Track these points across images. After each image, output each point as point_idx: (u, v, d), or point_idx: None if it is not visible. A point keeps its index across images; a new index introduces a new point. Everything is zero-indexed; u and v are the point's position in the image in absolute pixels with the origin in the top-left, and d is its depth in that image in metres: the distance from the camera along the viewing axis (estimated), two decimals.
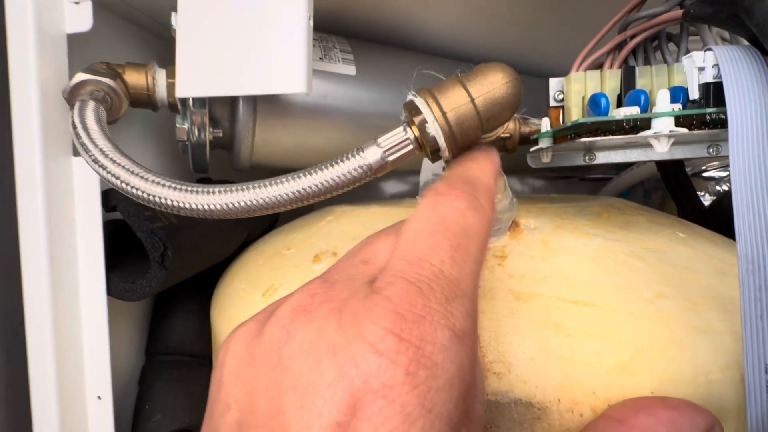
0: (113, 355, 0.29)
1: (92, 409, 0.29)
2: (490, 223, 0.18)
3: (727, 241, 0.29)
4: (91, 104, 0.25)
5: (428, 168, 0.28)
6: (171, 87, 0.29)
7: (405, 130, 0.20)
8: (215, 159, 0.32)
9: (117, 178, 0.22)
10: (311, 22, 0.25)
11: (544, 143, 0.27)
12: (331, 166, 0.20)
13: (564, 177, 0.65)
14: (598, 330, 0.20)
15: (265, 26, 0.25)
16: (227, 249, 0.36)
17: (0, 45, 0.26)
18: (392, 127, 0.21)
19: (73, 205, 0.28)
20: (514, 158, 0.33)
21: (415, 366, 0.13)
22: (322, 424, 0.13)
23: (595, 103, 0.24)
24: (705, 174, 0.53)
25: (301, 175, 0.20)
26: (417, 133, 0.20)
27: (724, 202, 0.45)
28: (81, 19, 0.27)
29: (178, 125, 0.29)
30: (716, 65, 0.21)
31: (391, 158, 0.20)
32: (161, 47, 0.38)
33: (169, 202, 0.21)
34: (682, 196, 0.42)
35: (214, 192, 0.21)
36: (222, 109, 0.31)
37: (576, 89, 0.26)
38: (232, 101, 0.30)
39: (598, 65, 0.26)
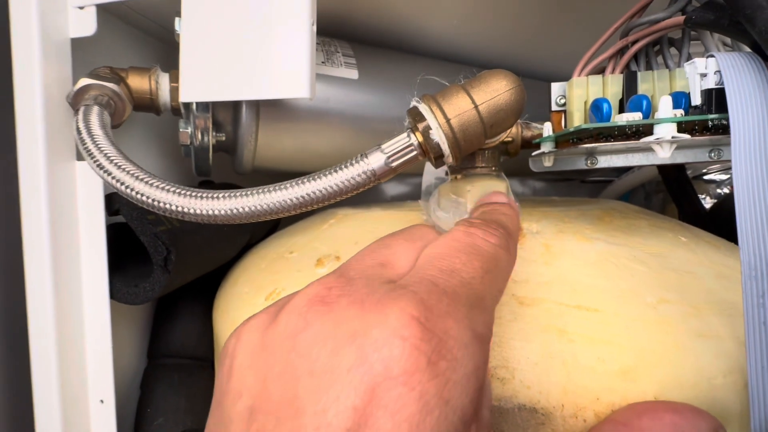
0: (116, 358, 0.29)
1: (95, 412, 0.29)
2: (512, 267, 0.19)
3: (728, 244, 0.29)
4: (95, 109, 0.25)
5: (431, 172, 0.28)
6: (174, 91, 0.29)
7: (409, 136, 0.20)
8: (218, 162, 0.32)
9: (121, 183, 0.22)
10: (314, 27, 0.26)
11: (546, 147, 0.27)
12: (335, 171, 0.20)
13: (565, 179, 0.65)
14: (601, 335, 0.20)
15: (268, 31, 0.25)
16: (230, 252, 0.36)
17: (4, 49, 0.26)
18: (395, 132, 0.21)
19: (77, 209, 0.28)
20: (516, 161, 0.33)
21: (437, 356, 0.13)
22: (339, 409, 0.13)
23: (597, 107, 0.24)
24: (706, 177, 0.53)
25: (304, 180, 0.20)
26: (421, 139, 0.20)
27: (725, 205, 0.45)
28: (85, 23, 0.27)
29: (181, 129, 0.29)
30: (718, 71, 0.21)
31: (394, 164, 0.20)
32: (164, 51, 0.38)
33: (173, 207, 0.21)
34: (683, 199, 0.42)
35: (218, 197, 0.21)
36: (225, 113, 0.31)
37: (578, 94, 0.26)
38: (235, 105, 0.30)
39: (600, 70, 0.26)
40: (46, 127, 0.26)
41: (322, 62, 0.32)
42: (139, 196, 0.21)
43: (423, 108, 0.20)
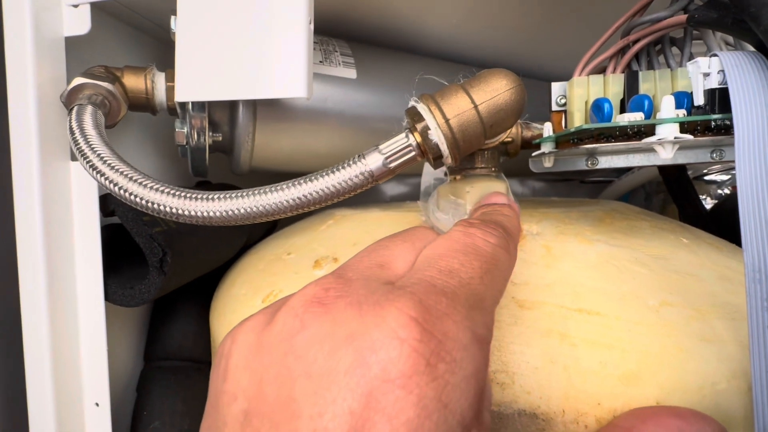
0: (111, 360, 0.28)
1: (90, 415, 0.28)
2: (512, 268, 0.19)
3: (730, 246, 0.29)
4: (89, 109, 0.25)
5: (430, 173, 0.28)
6: (170, 90, 0.29)
7: (407, 136, 0.20)
8: (214, 162, 0.32)
9: (115, 184, 0.21)
10: (312, 26, 0.25)
11: (546, 148, 0.26)
12: (333, 172, 0.20)
13: (564, 179, 0.65)
14: (603, 339, 0.20)
15: (265, 30, 0.25)
16: (227, 254, 0.36)
17: None
18: (393, 131, 0.21)
19: (71, 210, 0.28)
20: (515, 161, 0.33)
21: (435, 358, 0.13)
22: (336, 412, 0.12)
23: (598, 107, 0.24)
24: (706, 177, 0.53)
25: (301, 181, 0.20)
26: (419, 139, 0.20)
27: (726, 205, 0.45)
28: (79, 22, 0.27)
29: (177, 129, 0.29)
30: (722, 71, 0.21)
31: (392, 165, 0.20)
32: (160, 50, 0.37)
33: (168, 209, 0.21)
34: (684, 200, 0.42)
35: (213, 199, 0.20)
36: (221, 113, 0.30)
37: (579, 94, 0.25)
38: (231, 105, 0.30)
39: (601, 70, 0.26)
40: (39, 126, 0.26)
41: (320, 61, 0.32)
42: (133, 197, 0.21)
43: (421, 108, 0.19)
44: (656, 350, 0.20)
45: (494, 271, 0.17)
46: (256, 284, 0.29)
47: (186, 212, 0.20)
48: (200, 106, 0.28)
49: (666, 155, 0.22)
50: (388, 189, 0.62)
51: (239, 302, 0.29)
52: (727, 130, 0.22)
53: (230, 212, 0.20)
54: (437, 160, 0.20)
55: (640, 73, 0.24)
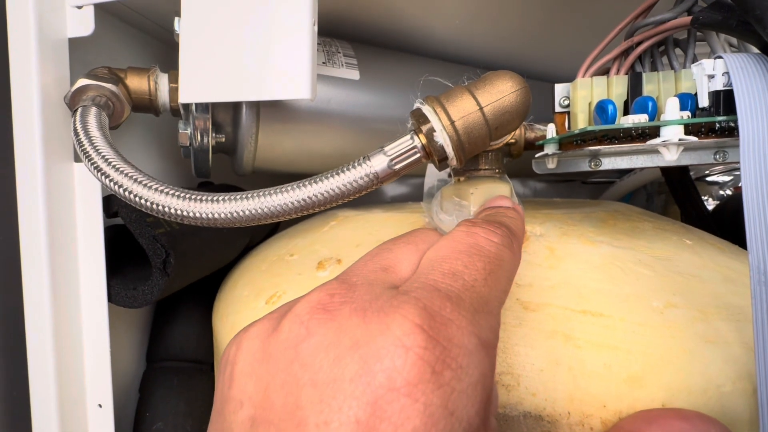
0: (114, 362, 0.28)
1: (93, 417, 0.28)
2: (517, 268, 0.19)
3: (733, 247, 0.29)
4: (93, 110, 0.25)
5: (433, 174, 0.28)
6: (173, 91, 0.29)
7: (412, 138, 0.20)
8: (217, 163, 0.32)
9: (119, 186, 0.21)
10: (315, 27, 0.25)
11: (549, 149, 0.26)
12: (337, 174, 0.20)
13: (565, 180, 0.65)
14: (608, 341, 0.20)
15: (269, 31, 0.25)
16: (229, 255, 0.36)
17: (1, 49, 0.26)
18: (397, 133, 0.21)
19: (74, 211, 0.28)
20: (516, 161, 0.33)
21: (441, 365, 0.13)
22: (342, 420, 0.12)
23: (602, 109, 0.24)
24: (708, 178, 0.53)
25: (306, 183, 0.20)
26: (424, 141, 0.20)
27: (728, 206, 0.45)
28: (83, 23, 0.27)
29: (180, 130, 0.29)
30: (726, 73, 0.21)
31: (397, 166, 0.20)
32: (163, 51, 0.37)
33: (173, 211, 0.21)
34: (686, 201, 0.42)
35: (218, 200, 0.20)
36: (225, 114, 0.30)
37: (582, 95, 0.25)
38: (235, 106, 0.30)
39: (605, 71, 0.26)
40: (43, 128, 0.26)
41: (323, 63, 0.32)
42: (137, 199, 0.21)
43: (427, 110, 0.19)
44: (661, 352, 0.20)
45: (498, 272, 0.17)
46: (259, 285, 0.29)
47: (191, 214, 0.20)
48: (204, 107, 0.28)
49: (671, 157, 0.22)
50: (389, 190, 0.62)
51: (242, 303, 0.29)
52: (730, 131, 0.22)
53: (235, 214, 0.20)
54: (442, 162, 0.20)
55: (644, 75, 0.24)
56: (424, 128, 0.19)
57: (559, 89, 0.27)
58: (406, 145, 0.20)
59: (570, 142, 0.25)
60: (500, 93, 0.19)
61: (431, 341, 0.13)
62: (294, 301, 0.16)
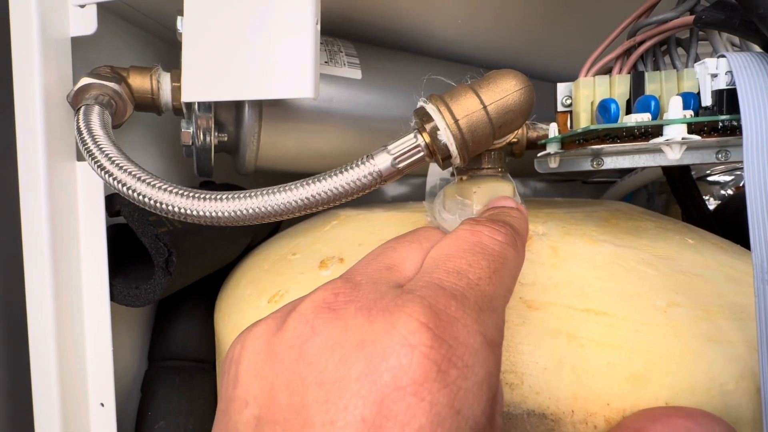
0: (116, 360, 0.28)
1: (95, 415, 0.28)
2: (521, 267, 0.19)
3: (735, 246, 0.29)
4: (96, 109, 0.25)
5: (436, 173, 0.28)
6: (176, 90, 0.29)
7: (416, 136, 0.20)
8: (219, 162, 0.32)
9: (123, 184, 0.21)
10: (318, 27, 0.25)
11: (552, 148, 0.26)
12: (341, 173, 0.20)
13: (567, 180, 0.65)
14: (611, 339, 0.20)
15: (272, 30, 0.25)
16: (232, 254, 0.36)
17: (4, 48, 0.26)
18: (400, 132, 0.21)
19: (77, 210, 0.28)
20: (517, 161, 0.33)
21: (447, 364, 0.13)
22: (348, 420, 0.12)
23: (604, 108, 0.24)
24: (710, 178, 0.53)
25: (310, 182, 0.20)
26: (428, 140, 0.20)
27: (729, 206, 0.45)
28: (85, 22, 0.27)
29: (183, 129, 0.29)
30: (729, 72, 0.21)
31: (401, 165, 0.20)
32: (166, 50, 0.37)
33: (176, 209, 0.21)
34: (688, 200, 0.42)
35: (222, 199, 0.20)
36: (227, 113, 0.30)
37: (584, 94, 0.25)
38: (237, 105, 0.30)
39: (607, 70, 0.26)
40: (46, 127, 0.26)
41: (326, 62, 0.32)
42: (141, 197, 0.21)
43: (430, 108, 0.19)
44: (664, 351, 0.20)
45: (502, 270, 0.17)
46: (261, 284, 0.29)
47: (194, 212, 0.20)
48: (206, 106, 0.28)
49: (673, 156, 0.22)
50: (389, 190, 0.62)
51: (244, 302, 0.29)
52: (733, 130, 0.22)
53: (238, 212, 0.20)
54: (446, 160, 0.20)
55: (646, 74, 0.24)
56: (428, 127, 0.19)
57: (562, 88, 0.27)
58: (409, 143, 0.20)
59: (572, 141, 0.25)
60: (504, 91, 0.19)
61: (437, 340, 0.13)
62: (298, 300, 0.16)
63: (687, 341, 0.20)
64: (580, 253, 0.24)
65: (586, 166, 0.26)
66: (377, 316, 0.14)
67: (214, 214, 0.20)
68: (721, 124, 0.22)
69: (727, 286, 0.24)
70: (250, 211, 0.20)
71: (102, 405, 0.28)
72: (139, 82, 0.28)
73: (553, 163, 0.27)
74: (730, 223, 0.41)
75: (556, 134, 0.26)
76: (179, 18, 0.26)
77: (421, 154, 0.20)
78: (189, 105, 0.29)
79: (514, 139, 0.30)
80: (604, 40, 0.26)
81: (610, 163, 0.26)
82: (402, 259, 0.18)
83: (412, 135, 0.20)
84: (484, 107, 0.19)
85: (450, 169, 0.26)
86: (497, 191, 0.24)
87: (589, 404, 0.19)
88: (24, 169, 0.26)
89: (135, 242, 0.29)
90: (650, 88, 0.24)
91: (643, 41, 0.25)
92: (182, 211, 0.21)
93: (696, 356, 0.20)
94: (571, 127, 0.26)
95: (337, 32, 0.35)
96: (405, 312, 0.14)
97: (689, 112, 0.22)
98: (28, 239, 0.26)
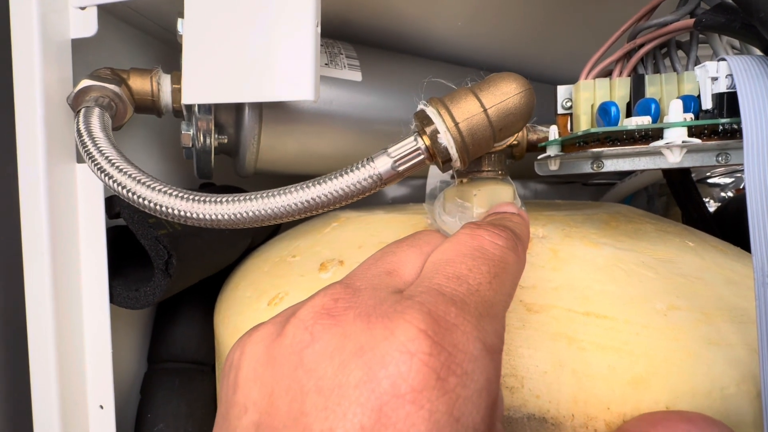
0: (115, 362, 0.28)
1: (94, 418, 0.28)
2: (521, 271, 0.19)
3: (735, 249, 0.29)
4: (96, 111, 0.25)
5: (435, 175, 0.28)
6: (176, 93, 0.29)
7: (416, 139, 0.20)
8: (219, 165, 0.32)
9: (123, 186, 0.21)
10: (319, 29, 0.25)
11: (552, 151, 0.26)
12: (341, 175, 0.20)
13: (566, 182, 0.65)
14: (611, 342, 0.20)
15: (272, 32, 0.25)
16: (231, 256, 0.36)
17: (4, 50, 0.26)
18: (401, 134, 0.21)
19: (77, 212, 0.28)
20: (518, 164, 0.33)
21: (446, 372, 0.13)
22: (346, 427, 0.12)
23: (604, 111, 0.24)
24: (710, 180, 0.53)
25: (310, 184, 0.20)
26: (428, 142, 0.20)
27: (729, 208, 0.45)
28: (86, 24, 0.27)
29: (183, 131, 0.29)
30: (730, 75, 0.21)
31: (401, 168, 0.20)
32: (166, 52, 0.37)
33: (176, 212, 0.21)
34: (688, 203, 0.42)
35: (222, 201, 0.20)
36: (227, 115, 0.30)
37: (585, 97, 0.25)
38: (237, 107, 0.30)
39: (607, 73, 0.26)
40: (46, 129, 0.26)
41: (326, 64, 0.32)
42: (141, 200, 0.21)
43: (431, 111, 0.19)
44: (665, 354, 0.20)
45: (503, 275, 0.17)
46: (261, 287, 0.29)
47: (194, 215, 0.20)
48: (206, 108, 0.28)
49: (674, 159, 0.22)
50: (389, 191, 0.62)
51: (244, 304, 0.29)
52: (733, 133, 0.22)
53: (238, 215, 0.20)
54: (446, 163, 0.20)
55: (647, 77, 0.24)
56: (428, 130, 0.19)
57: (562, 91, 0.27)
58: (409, 146, 0.20)
59: (572, 143, 0.25)
60: (504, 95, 0.19)
61: (436, 347, 0.13)
62: (298, 305, 0.16)
63: (687, 344, 0.20)
64: (580, 255, 0.24)
65: (586, 168, 0.26)
66: (376, 322, 0.14)
67: (213, 217, 0.20)
68: (721, 127, 0.22)
69: (727, 289, 0.23)
70: (250, 213, 0.20)
71: (101, 407, 0.28)
72: (139, 84, 0.28)
73: (553, 166, 0.27)
74: (730, 226, 0.41)
75: (557, 137, 0.26)
76: (179, 20, 0.26)
77: (422, 157, 0.20)
78: (189, 107, 0.29)
79: (515, 142, 0.30)
80: (604, 43, 0.26)
81: (611, 165, 0.26)
82: (402, 264, 0.18)
83: (412, 138, 0.20)
84: (485, 110, 0.19)
85: (450, 171, 0.26)
86: (497, 194, 0.24)
87: (589, 408, 0.19)
88: (24, 171, 0.26)
89: (135, 244, 0.29)
90: (650, 91, 0.24)
91: (643, 44, 0.25)
92: (182, 214, 0.21)
93: (696, 359, 0.20)
94: (572, 129, 0.26)
95: (338, 34, 0.35)
96: (404, 319, 0.14)
97: (689, 115, 0.22)
98: (27, 241, 0.26)
